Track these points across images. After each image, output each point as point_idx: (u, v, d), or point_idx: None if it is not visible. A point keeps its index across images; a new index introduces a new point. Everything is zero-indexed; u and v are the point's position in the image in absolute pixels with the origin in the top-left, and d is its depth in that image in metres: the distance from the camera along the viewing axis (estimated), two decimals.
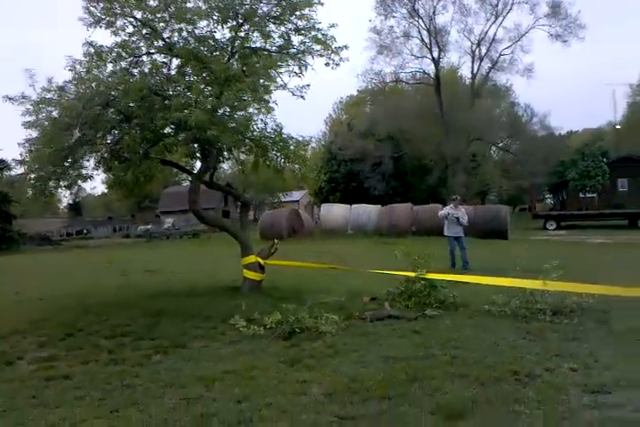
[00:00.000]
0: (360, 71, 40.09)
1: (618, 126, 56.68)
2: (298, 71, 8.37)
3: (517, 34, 39.48)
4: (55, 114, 7.52)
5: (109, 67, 8.02)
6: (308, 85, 8.58)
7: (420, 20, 39.76)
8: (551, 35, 38.50)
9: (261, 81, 7.88)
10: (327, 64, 8.40)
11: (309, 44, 8.37)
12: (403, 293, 7.31)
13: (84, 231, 55.72)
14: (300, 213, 28.36)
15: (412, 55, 40.34)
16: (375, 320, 6.43)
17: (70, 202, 72.49)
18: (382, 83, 42.10)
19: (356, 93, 52.26)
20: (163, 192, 54.15)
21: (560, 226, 28.48)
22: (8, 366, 5.30)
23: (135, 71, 8.08)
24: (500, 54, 40.33)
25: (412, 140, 40.31)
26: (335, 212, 26.86)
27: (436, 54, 40.20)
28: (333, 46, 8.26)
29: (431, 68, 40.88)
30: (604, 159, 39.92)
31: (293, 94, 8.57)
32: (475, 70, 41.35)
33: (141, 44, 8.14)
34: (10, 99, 7.54)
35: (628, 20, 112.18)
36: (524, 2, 38.56)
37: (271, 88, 8.08)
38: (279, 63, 8.20)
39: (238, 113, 7.97)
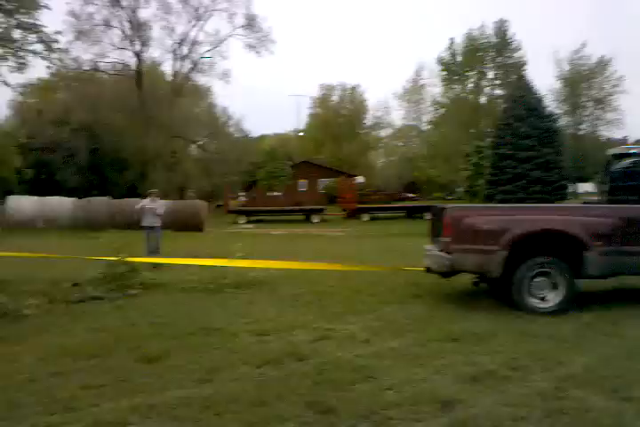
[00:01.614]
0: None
1: (301, 133, 64.81)
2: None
3: (217, 39, 42.04)
4: None
5: None
6: None
7: (123, 11, 39.08)
8: (246, 45, 42.13)
9: None
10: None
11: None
12: (106, 277, 7.89)
13: None
14: None
15: (113, 45, 39.40)
16: (79, 302, 6.92)
17: None
18: (78, 69, 39.90)
19: (48, 77, 48.13)
20: None
21: (249, 220, 31.64)
22: None
23: None
24: (201, 57, 42.39)
25: (111, 133, 39.32)
26: (24, 204, 24.74)
27: (137, 48, 40.02)
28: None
29: (133, 61, 40.57)
30: (289, 162, 45.58)
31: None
32: (176, 69, 42.54)
33: None
34: None
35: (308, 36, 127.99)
36: (223, 10, 41.26)
37: None
38: None
39: None
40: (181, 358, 4.63)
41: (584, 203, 9.22)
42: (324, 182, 47.92)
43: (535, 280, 6.32)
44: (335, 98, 62.77)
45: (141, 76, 39.73)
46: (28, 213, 24.15)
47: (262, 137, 72.21)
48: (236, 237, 18.50)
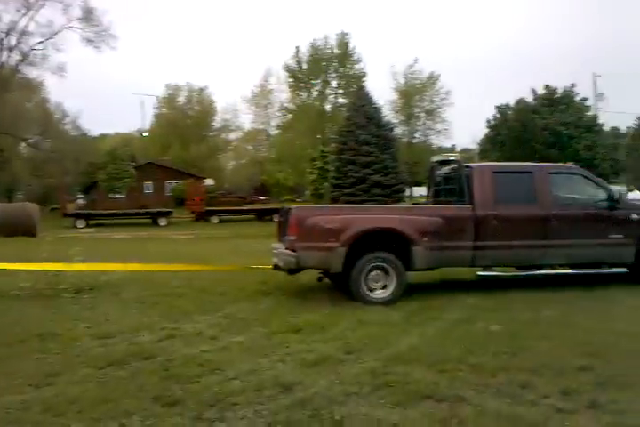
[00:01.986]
0: None
1: (146, 134, 62.25)
2: None
3: (51, 31, 38.95)
4: None
5: None
6: None
7: None
8: (84, 38, 39.55)
9: None
10: None
11: None
12: None
13: None
14: None
15: None
16: None
17: None
18: None
19: None
20: None
21: (89, 224, 29.81)
22: None
23: None
24: (32, 49, 38.97)
25: None
26: None
27: None
28: None
29: None
30: (133, 163, 43.57)
31: None
32: (2, 60, 38.63)
33: None
34: None
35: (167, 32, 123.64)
36: (57, 1, 38.35)
37: None
38: None
39: None
40: (15, 364, 4.39)
41: (413, 204, 10.23)
42: (171, 185, 46.59)
43: (371, 274, 6.91)
44: (182, 99, 61.27)
45: None
46: None
47: (103, 136, 68.16)
48: (74, 242, 17.34)
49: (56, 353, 4.71)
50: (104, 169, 36.29)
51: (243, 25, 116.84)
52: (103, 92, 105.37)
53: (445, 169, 8.49)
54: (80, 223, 29.60)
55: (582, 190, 7.93)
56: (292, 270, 7.21)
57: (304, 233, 6.86)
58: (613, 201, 7.60)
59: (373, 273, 6.92)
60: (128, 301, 7.20)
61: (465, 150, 64.61)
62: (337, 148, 28.52)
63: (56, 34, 38.85)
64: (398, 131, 47.45)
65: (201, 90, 60.66)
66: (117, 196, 39.56)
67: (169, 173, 47.12)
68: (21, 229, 20.58)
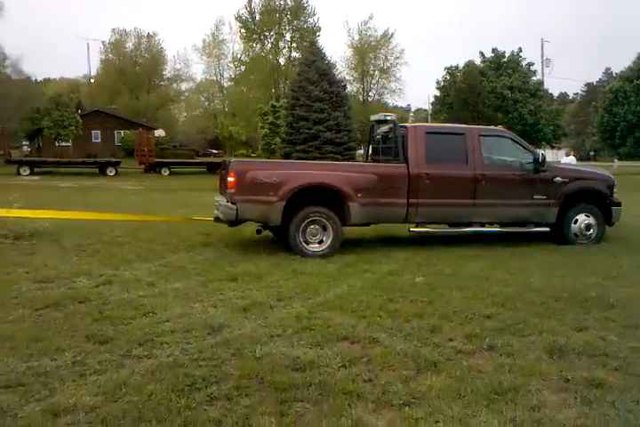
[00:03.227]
0: None
1: (92, 80, 59.67)
2: None
3: None
4: None
5: None
6: None
7: None
8: None
9: None
10: None
11: None
12: None
13: None
14: None
15: None
16: None
17: None
18: None
19: None
20: None
21: (34, 172, 28.91)
22: None
23: None
24: None
25: None
26: None
27: None
28: None
29: None
30: (79, 110, 41.97)
31: None
32: None
33: None
34: None
35: None
36: None
37: None
38: None
39: None
40: None
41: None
42: (120, 134, 45.27)
43: (309, 228, 7.18)
44: (130, 45, 58.80)
45: None
46: None
47: (47, 81, 65.02)
48: (17, 189, 16.97)
49: None
50: (49, 116, 34.82)
51: None
52: (46, 35, 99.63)
53: (383, 128, 8.72)
54: (24, 171, 28.65)
55: (511, 153, 8.28)
56: (232, 223, 7.39)
57: (243, 187, 7.02)
58: (539, 164, 8.02)
59: (311, 227, 7.19)
60: (68, 248, 7.27)
61: (419, 110, 65.08)
62: (289, 103, 28.25)
63: None
64: (352, 88, 47.31)
65: (150, 36, 58.31)
66: (64, 144, 38.23)
67: (118, 121, 45.67)
68: None
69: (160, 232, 8.72)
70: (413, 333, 4.15)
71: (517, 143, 8.28)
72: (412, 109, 69.71)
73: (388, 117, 8.36)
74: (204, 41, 55.91)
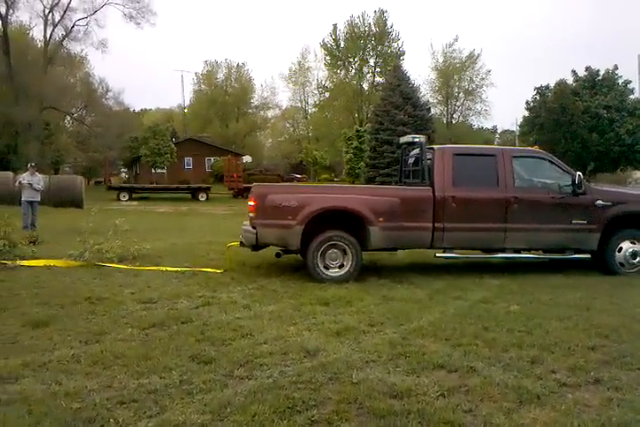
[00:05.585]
0: None
1: (186, 110, 63.16)
2: None
3: (92, 7, 39.67)
4: None
5: None
6: None
7: None
8: (125, 15, 40.25)
9: None
10: None
11: None
12: None
13: None
14: None
15: None
16: None
17: None
18: None
19: None
20: None
21: (132, 197, 30.79)
22: None
23: None
24: (75, 24, 39.83)
25: None
26: None
27: (2, 10, 36.65)
28: None
29: None
30: (173, 139, 44.46)
31: None
32: (48, 36, 39.64)
33: None
34: None
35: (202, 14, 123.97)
36: None
37: None
38: None
39: None
40: (68, 323, 4.86)
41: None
42: (210, 161, 47.36)
43: (327, 252, 7.10)
44: (221, 75, 61.82)
45: (8, 41, 36.41)
46: None
47: (144, 112, 69.36)
48: (119, 214, 18.12)
49: (103, 315, 5.18)
50: (146, 144, 37.13)
51: (281, 1, 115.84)
52: (144, 69, 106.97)
53: (414, 151, 8.52)
54: (124, 196, 30.60)
55: (547, 175, 7.83)
56: (254, 247, 7.43)
57: (263, 211, 7.08)
58: (578, 187, 7.52)
59: (330, 251, 7.12)
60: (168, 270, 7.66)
61: (506, 132, 63.37)
62: (372, 127, 28.49)
63: (98, 10, 39.58)
64: (436, 111, 46.95)
65: (239, 67, 61.02)
66: (159, 171, 40.52)
67: (208, 149, 47.88)
68: (69, 200, 21.53)
69: (250, 255, 8.97)
70: (512, 363, 4.03)
71: (555, 164, 7.82)
72: (499, 131, 68.10)
73: (416, 139, 8.18)
74: (290, 69, 57.91)
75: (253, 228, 7.08)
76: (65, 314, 5.16)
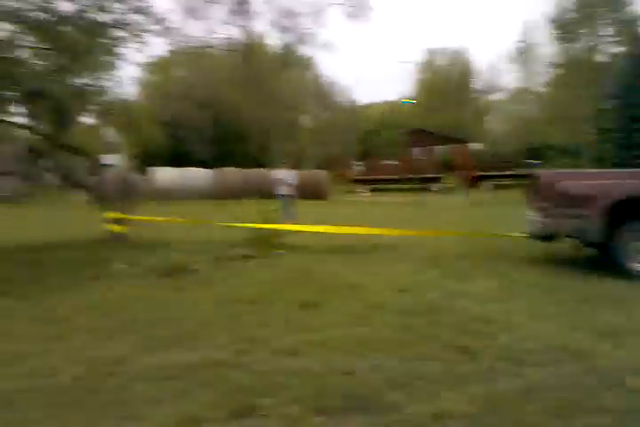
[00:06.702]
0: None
1: (414, 101, 63.56)
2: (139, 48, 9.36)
3: (315, 9, 42.01)
4: None
5: None
6: None
7: None
8: (345, 13, 41.75)
9: (106, 56, 8.76)
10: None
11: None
12: (254, 239, 8.85)
13: None
14: (130, 178, 27.95)
15: (221, 21, 40.72)
16: (236, 260, 7.93)
17: None
18: (193, 46, 41.80)
19: (165, 55, 50.96)
20: None
21: (371, 190, 32.32)
22: None
23: None
24: (303, 28, 42.68)
25: (227, 106, 41.21)
26: (166, 175, 26.91)
27: (242, 22, 40.97)
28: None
29: (239, 36, 41.58)
30: (401, 130, 45.33)
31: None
32: (280, 41, 43.18)
33: None
34: None
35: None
36: None
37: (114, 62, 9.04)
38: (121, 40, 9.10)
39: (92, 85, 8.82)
40: (333, 306, 5.34)
41: None
42: (438, 150, 47.11)
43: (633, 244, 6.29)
44: (442, 62, 60.68)
45: (249, 50, 40.64)
46: (169, 184, 26.09)
47: (370, 105, 71.81)
48: (365, 205, 19.31)
49: (360, 300, 5.55)
50: (377, 136, 38.52)
51: None
52: (366, 63, 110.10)
53: None
54: (361, 188, 32.24)
55: None
56: (546, 238, 6.99)
57: (556, 199, 6.57)
58: None
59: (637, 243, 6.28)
60: (416, 260, 7.90)
61: None
62: (618, 104, 25.23)
63: (321, 12, 41.74)
64: None
65: (460, 52, 59.25)
66: (390, 162, 41.70)
67: (435, 138, 47.62)
68: (314, 193, 23.58)
69: (489, 248, 8.76)
70: None
71: None
72: None
73: None
74: (513, 49, 54.35)
75: (545, 218, 6.77)
76: (329, 297, 5.62)
